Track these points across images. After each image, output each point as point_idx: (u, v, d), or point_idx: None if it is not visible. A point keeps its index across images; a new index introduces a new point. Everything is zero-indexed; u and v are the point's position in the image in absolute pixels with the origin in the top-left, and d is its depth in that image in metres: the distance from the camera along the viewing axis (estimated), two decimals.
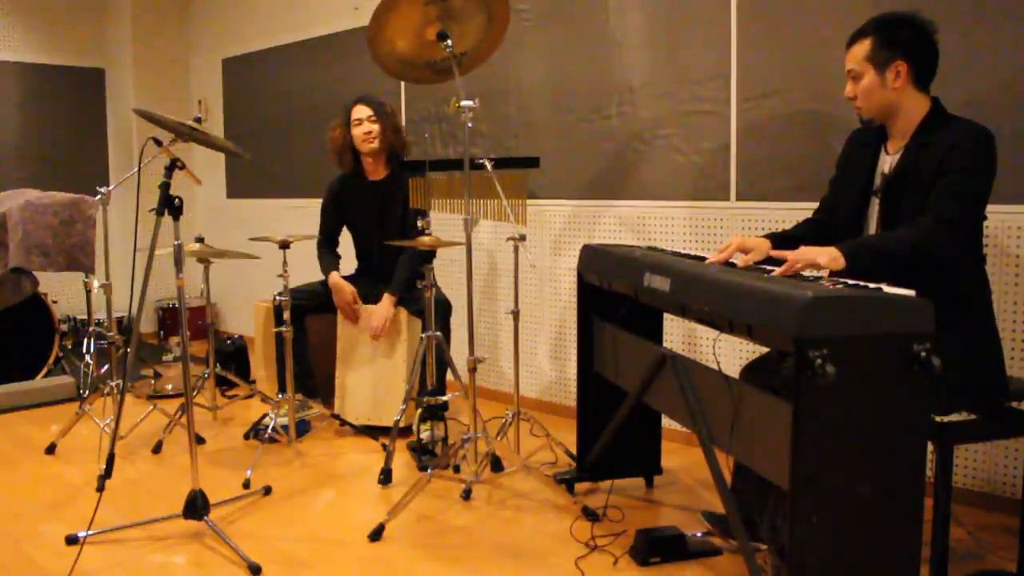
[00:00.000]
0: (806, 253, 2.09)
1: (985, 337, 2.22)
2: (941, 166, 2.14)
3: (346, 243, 3.98)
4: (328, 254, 3.88)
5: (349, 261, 4.00)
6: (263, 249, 3.76)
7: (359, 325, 3.71)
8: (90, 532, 2.59)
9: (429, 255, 3.34)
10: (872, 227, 2.35)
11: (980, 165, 2.15)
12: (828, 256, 2.04)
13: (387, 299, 3.64)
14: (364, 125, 3.69)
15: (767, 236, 2.51)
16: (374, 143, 3.70)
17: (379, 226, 3.82)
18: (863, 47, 2.26)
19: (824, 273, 2.17)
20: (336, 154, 3.80)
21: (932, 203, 2.12)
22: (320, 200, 3.97)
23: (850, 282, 1.96)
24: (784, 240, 2.50)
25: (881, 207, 2.32)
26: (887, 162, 2.33)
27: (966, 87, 2.75)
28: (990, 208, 2.69)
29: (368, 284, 3.76)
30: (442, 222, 4.25)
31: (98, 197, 3.57)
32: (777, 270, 2.07)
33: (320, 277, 3.88)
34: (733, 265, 2.32)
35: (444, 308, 3.61)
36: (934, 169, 2.15)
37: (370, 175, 3.83)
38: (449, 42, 2.88)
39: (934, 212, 2.11)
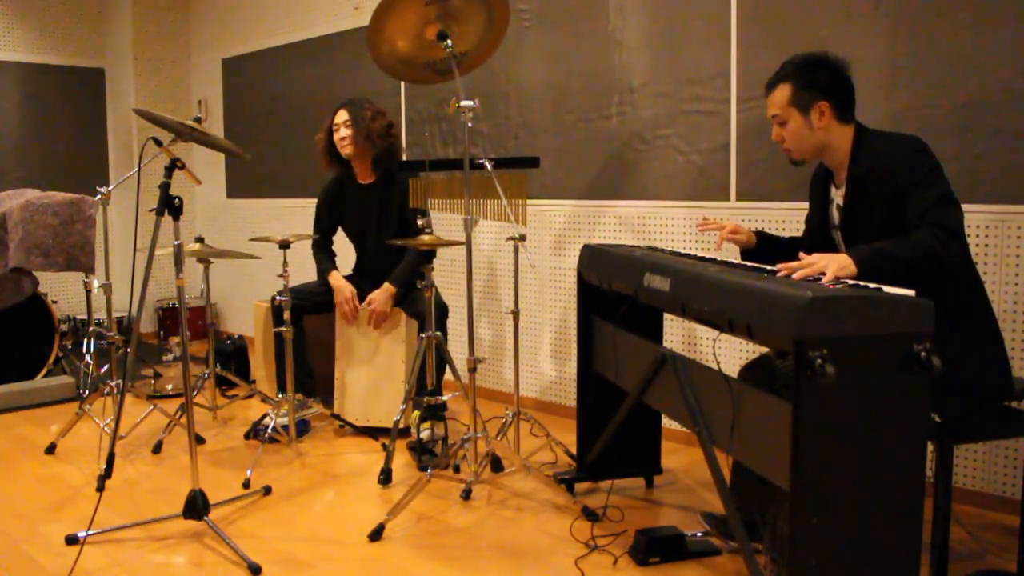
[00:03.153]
0: (818, 259, 2.07)
1: (986, 335, 2.22)
2: (895, 188, 2.15)
3: (345, 246, 3.98)
4: (323, 252, 3.88)
5: (347, 262, 3.99)
6: (263, 249, 3.77)
7: (358, 323, 3.71)
8: (90, 532, 2.59)
9: (430, 255, 3.34)
10: None
11: (932, 169, 2.16)
12: (838, 265, 2.03)
13: (386, 286, 3.64)
14: (340, 130, 3.71)
15: (757, 232, 2.56)
16: (347, 148, 3.70)
17: (372, 229, 3.82)
18: (784, 92, 2.30)
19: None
20: (319, 155, 3.84)
21: (920, 217, 2.11)
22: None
23: (850, 282, 1.97)
24: (772, 242, 2.57)
25: (844, 239, 2.36)
26: (838, 195, 2.37)
27: (966, 88, 2.75)
28: (990, 208, 2.69)
29: (364, 287, 3.75)
30: (442, 222, 4.25)
31: (98, 197, 3.57)
32: (797, 273, 2.05)
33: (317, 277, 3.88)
34: (732, 265, 2.32)
35: (441, 312, 3.60)
36: (886, 192, 2.17)
37: (360, 178, 3.84)
38: (449, 42, 2.87)
39: (930, 222, 2.10)
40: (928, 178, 2.14)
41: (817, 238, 2.48)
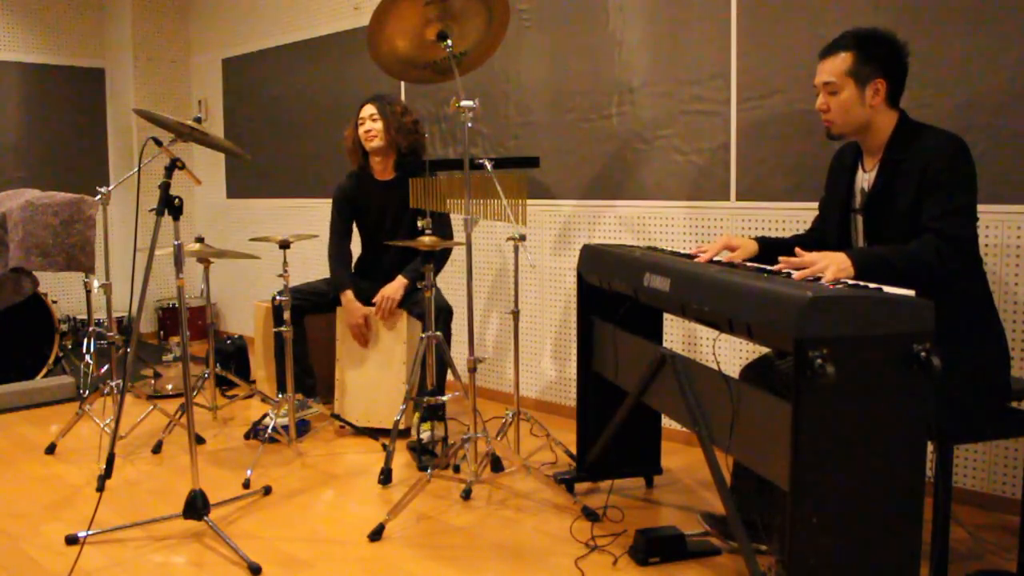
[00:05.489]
0: (819, 260, 2.07)
1: (989, 336, 2.22)
2: (923, 181, 2.15)
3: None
4: (341, 265, 3.80)
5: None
6: (263, 249, 3.77)
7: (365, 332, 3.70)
8: (90, 532, 2.59)
9: (438, 254, 3.32)
10: (859, 244, 2.36)
11: (964, 176, 2.15)
12: (837, 266, 2.04)
13: (400, 280, 3.63)
14: (366, 123, 3.69)
15: (757, 239, 2.52)
16: (373, 141, 3.69)
17: (387, 227, 3.80)
18: (844, 60, 2.25)
19: None
20: (347, 153, 3.83)
21: (930, 222, 2.12)
22: (320, 200, 3.97)
23: (850, 282, 1.97)
24: (775, 245, 2.52)
25: (865, 224, 2.34)
26: (865, 179, 2.35)
27: (966, 88, 2.75)
28: (991, 208, 2.69)
29: (365, 288, 3.74)
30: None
31: (98, 197, 3.57)
32: (797, 274, 2.05)
33: (320, 275, 3.87)
34: (733, 265, 2.32)
35: (446, 314, 3.59)
36: (916, 184, 2.16)
37: (378, 175, 3.82)
38: (449, 42, 2.88)
39: (936, 231, 2.10)
40: (955, 184, 2.13)
41: (831, 223, 2.45)
